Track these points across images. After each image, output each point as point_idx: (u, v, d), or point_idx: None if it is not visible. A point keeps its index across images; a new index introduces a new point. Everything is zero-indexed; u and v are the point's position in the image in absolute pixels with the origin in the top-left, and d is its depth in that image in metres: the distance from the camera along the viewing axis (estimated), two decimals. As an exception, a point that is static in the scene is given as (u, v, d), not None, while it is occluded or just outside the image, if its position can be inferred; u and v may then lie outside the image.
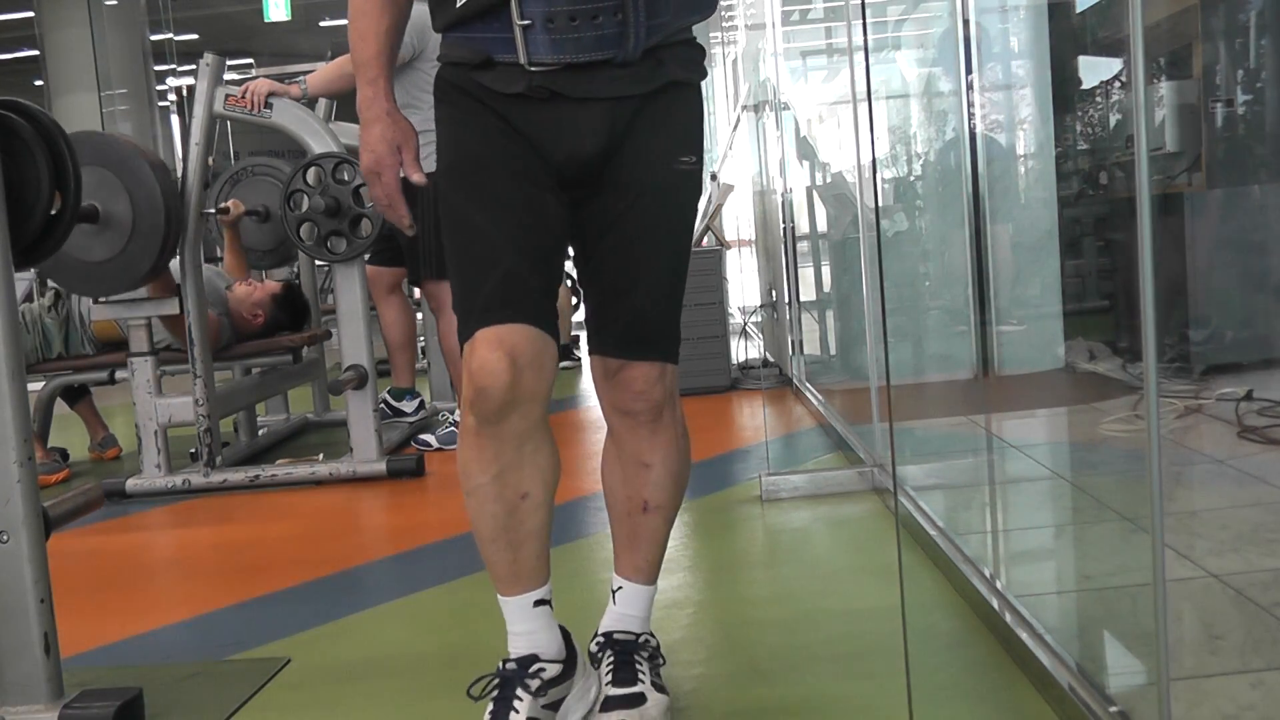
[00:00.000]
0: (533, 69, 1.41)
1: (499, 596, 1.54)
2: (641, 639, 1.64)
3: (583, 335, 6.43)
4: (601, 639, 1.64)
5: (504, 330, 1.42)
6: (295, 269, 4.89)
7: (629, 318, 1.48)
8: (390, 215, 1.58)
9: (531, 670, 1.50)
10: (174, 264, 3.48)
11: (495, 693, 1.51)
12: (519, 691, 1.49)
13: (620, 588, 1.65)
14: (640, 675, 1.59)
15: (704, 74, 1.55)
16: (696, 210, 1.62)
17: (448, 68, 1.52)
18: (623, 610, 1.65)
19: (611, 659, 1.61)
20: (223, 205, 4.22)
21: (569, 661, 1.56)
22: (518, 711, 1.48)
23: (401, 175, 1.58)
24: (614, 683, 1.58)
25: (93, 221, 3.24)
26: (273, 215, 4.52)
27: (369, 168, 1.54)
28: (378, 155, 1.53)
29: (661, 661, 1.67)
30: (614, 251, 1.51)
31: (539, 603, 1.52)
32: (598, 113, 1.45)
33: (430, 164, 4.28)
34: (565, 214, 1.50)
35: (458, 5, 1.43)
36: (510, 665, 1.51)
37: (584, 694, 1.60)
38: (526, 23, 1.39)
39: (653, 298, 1.53)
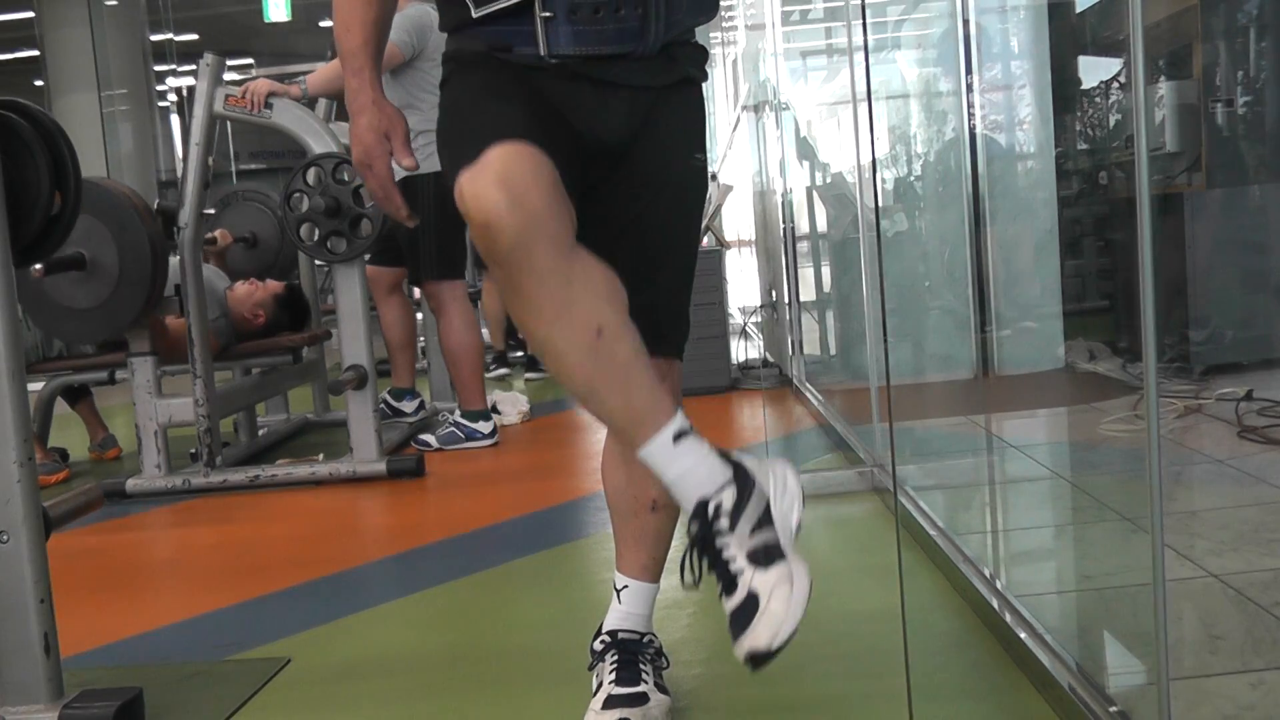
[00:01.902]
0: (553, 61, 1.41)
1: (639, 455, 1.33)
2: (646, 639, 1.65)
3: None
4: (606, 638, 1.64)
5: (491, 154, 1.25)
6: (295, 270, 4.89)
7: (642, 313, 1.47)
8: (386, 206, 1.57)
9: (710, 516, 1.31)
10: (173, 261, 3.48)
11: (705, 559, 1.32)
12: (720, 542, 1.30)
13: (625, 586, 1.66)
14: (644, 675, 1.59)
15: (707, 75, 1.57)
16: (704, 208, 1.64)
17: (459, 54, 1.48)
18: (628, 609, 1.65)
19: (615, 658, 1.61)
20: (210, 235, 4.22)
21: (740, 477, 1.33)
22: (734, 559, 1.29)
23: (398, 179, 1.57)
24: (617, 681, 1.58)
25: (80, 269, 3.26)
26: (260, 241, 4.55)
27: (359, 159, 1.53)
28: (366, 145, 1.52)
29: (665, 664, 1.68)
30: (631, 247, 1.50)
31: (679, 435, 1.31)
32: (618, 100, 1.46)
33: (430, 163, 4.25)
34: (581, 174, 1.44)
35: (474, 14, 1.41)
36: (692, 526, 1.32)
37: (782, 489, 1.36)
38: (548, 14, 1.38)
39: (666, 293, 1.55)
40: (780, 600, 1.25)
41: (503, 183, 1.22)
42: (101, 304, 3.31)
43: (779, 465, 1.38)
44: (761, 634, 1.24)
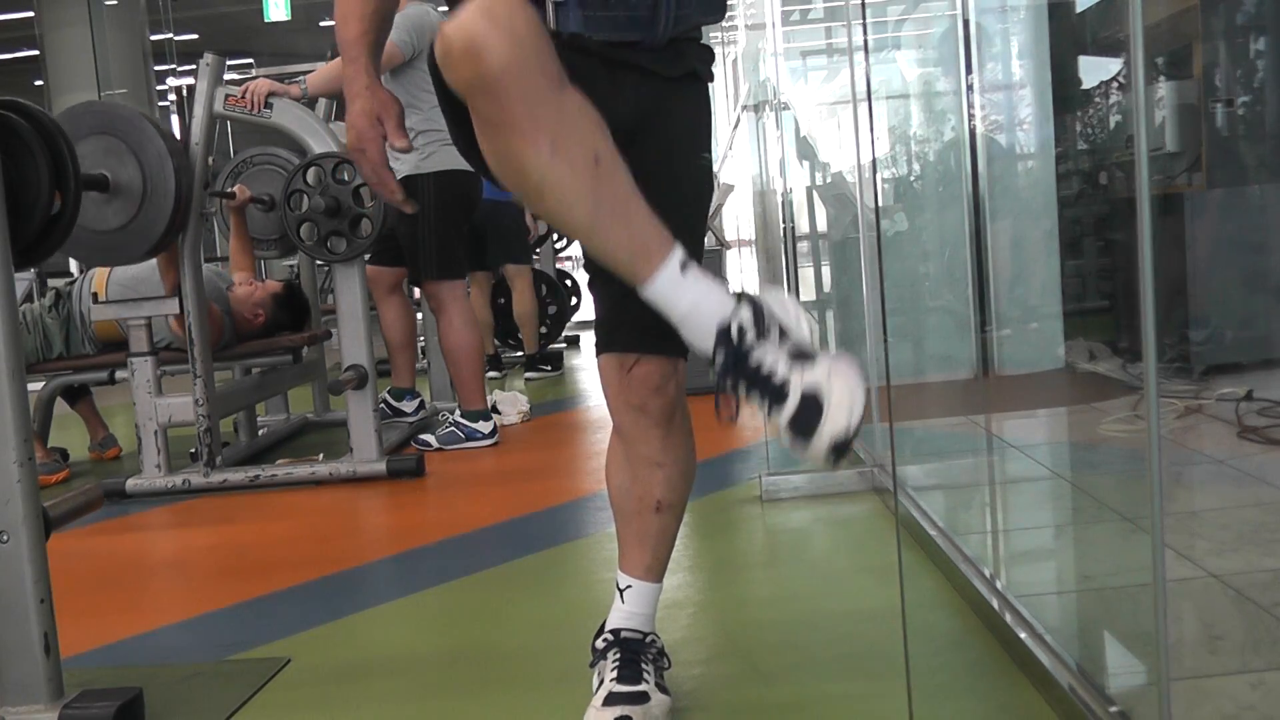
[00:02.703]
0: (565, 35, 1.41)
1: (645, 292, 1.28)
2: (648, 639, 1.65)
3: (577, 343, 6.36)
4: (609, 636, 1.64)
5: (467, 6, 1.20)
6: (295, 269, 4.89)
7: (650, 311, 1.46)
8: (379, 190, 1.56)
9: (735, 335, 1.27)
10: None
11: (740, 382, 1.28)
12: (754, 358, 1.26)
13: (629, 586, 1.66)
14: (645, 675, 1.60)
15: (713, 75, 1.58)
16: (709, 207, 1.64)
17: None
18: (631, 609, 1.65)
19: (617, 656, 1.61)
20: (229, 190, 4.22)
21: (747, 298, 1.30)
22: (774, 368, 1.25)
23: (398, 180, 1.57)
24: (618, 680, 1.58)
25: (103, 190, 3.23)
26: (277, 204, 4.51)
27: (353, 144, 1.53)
28: (360, 130, 1.51)
29: (666, 664, 1.68)
30: None
31: (684, 265, 1.28)
32: (628, 81, 1.46)
33: (430, 163, 4.23)
34: None
35: None
36: (719, 353, 1.28)
37: (781, 305, 1.32)
38: (560, 0, 1.38)
39: None
40: (841, 383, 1.23)
41: (487, 12, 1.18)
42: (130, 222, 3.27)
43: (767, 289, 1.35)
44: (839, 419, 1.22)
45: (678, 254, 1.28)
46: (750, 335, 1.26)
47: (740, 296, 1.30)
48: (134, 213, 3.26)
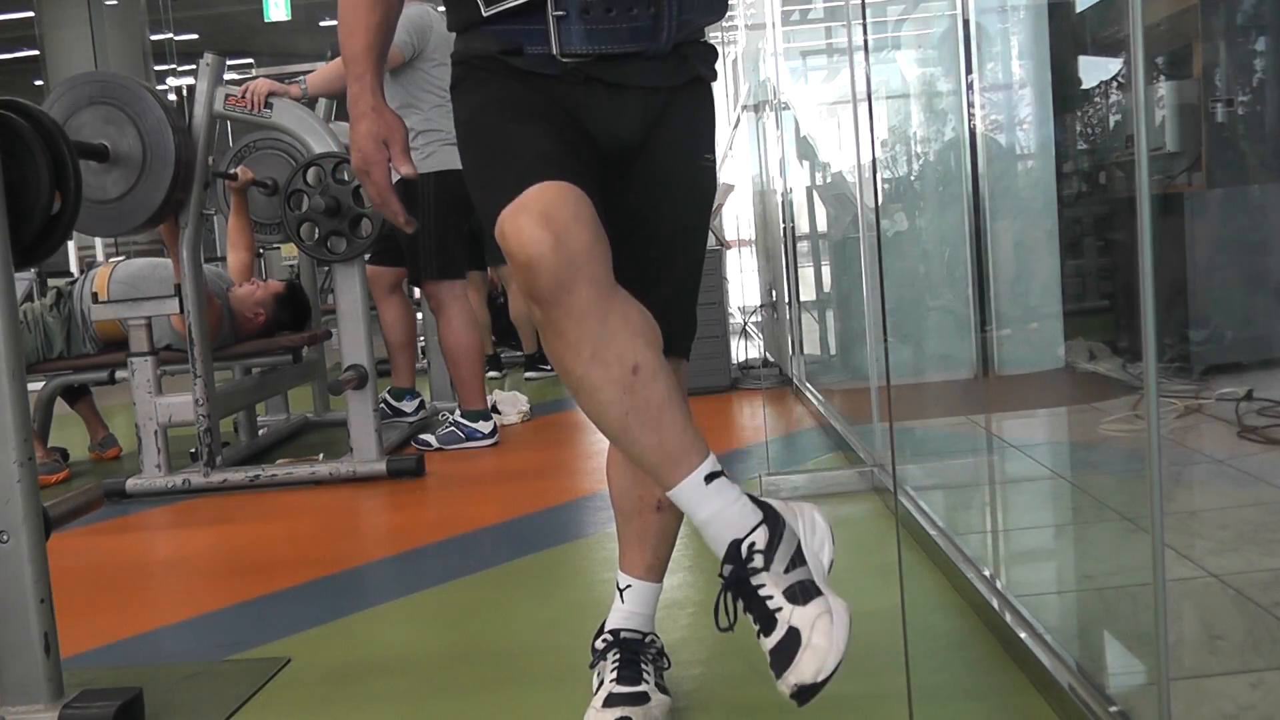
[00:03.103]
0: (565, 59, 1.41)
1: (669, 495, 1.34)
2: (648, 639, 1.65)
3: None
4: (609, 637, 1.64)
5: (531, 193, 1.28)
6: (295, 269, 4.89)
7: (654, 312, 1.46)
8: (384, 212, 1.57)
9: (744, 556, 1.31)
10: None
11: (740, 600, 1.32)
12: (756, 581, 1.30)
13: (629, 586, 1.66)
14: (645, 675, 1.60)
15: (717, 75, 1.58)
16: (712, 207, 1.64)
17: (469, 56, 1.48)
18: (631, 609, 1.65)
19: (617, 656, 1.61)
20: (231, 171, 4.22)
21: (770, 518, 1.34)
22: (772, 597, 1.29)
23: (397, 178, 1.57)
24: (618, 680, 1.58)
25: (102, 159, 3.23)
26: (280, 187, 4.51)
27: (358, 166, 1.54)
28: (365, 153, 1.52)
29: (666, 664, 1.68)
30: (640, 246, 1.50)
31: (710, 477, 1.32)
32: (631, 101, 1.46)
33: (430, 163, 4.23)
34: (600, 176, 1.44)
35: (485, 13, 1.41)
36: (725, 568, 1.32)
37: (811, 529, 1.38)
38: (561, 13, 1.38)
39: (674, 292, 1.55)
40: (822, 634, 1.27)
41: (545, 222, 1.25)
42: (129, 191, 3.27)
43: (806, 506, 1.40)
44: (806, 668, 1.26)
45: (705, 465, 1.32)
46: (758, 560, 1.30)
47: (765, 514, 1.33)
48: (133, 182, 3.27)
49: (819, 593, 1.30)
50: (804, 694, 1.27)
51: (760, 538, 1.31)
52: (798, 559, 1.33)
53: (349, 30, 1.53)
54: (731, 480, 1.34)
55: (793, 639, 1.27)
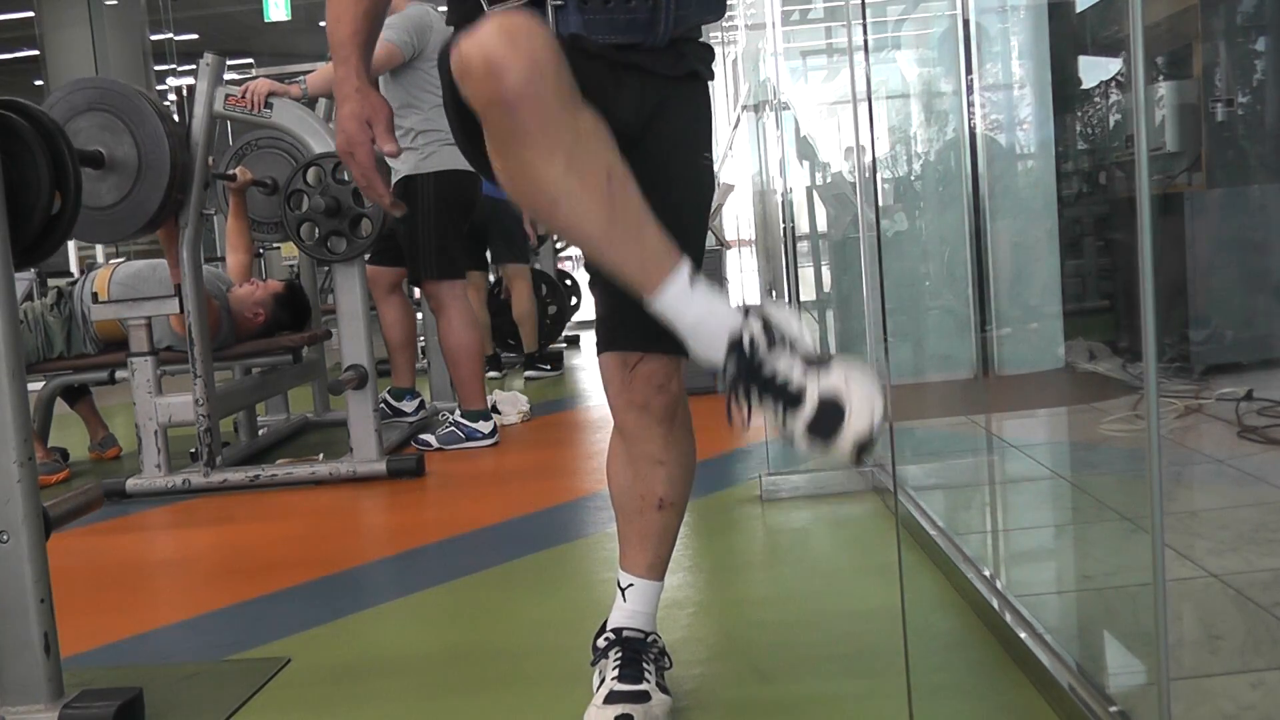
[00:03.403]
0: (567, 35, 1.41)
1: (655, 304, 1.30)
2: (649, 638, 1.65)
3: (575, 345, 6.34)
4: (611, 635, 1.64)
5: (488, 15, 1.23)
6: (295, 269, 4.88)
7: (649, 311, 1.46)
8: (369, 194, 1.57)
9: (749, 345, 1.29)
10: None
11: (752, 391, 1.29)
12: (768, 367, 1.28)
13: (631, 584, 1.66)
14: (646, 674, 1.60)
15: (714, 74, 1.58)
16: (710, 207, 1.64)
17: None
18: (633, 607, 1.65)
19: (619, 655, 1.61)
20: (230, 172, 4.22)
21: (752, 308, 1.32)
22: (789, 375, 1.27)
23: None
24: (619, 678, 1.58)
25: (98, 166, 3.23)
26: (279, 187, 4.51)
27: (342, 147, 1.54)
28: (349, 133, 1.52)
29: (667, 664, 1.68)
30: None
31: (693, 278, 1.30)
32: (630, 82, 1.46)
33: (430, 163, 4.23)
34: None
35: (487, 9, 1.40)
36: (730, 363, 1.29)
37: (784, 315, 1.35)
38: (559, 3, 1.39)
39: None
40: (859, 385, 1.26)
41: (505, 32, 1.20)
42: (125, 198, 3.28)
43: (768, 302, 1.38)
44: (861, 420, 1.24)
45: (685, 267, 1.30)
46: (763, 345, 1.29)
47: (747, 309, 1.32)
48: (129, 189, 3.27)
49: (829, 360, 1.29)
50: (863, 449, 1.25)
51: (756, 326, 1.30)
52: (792, 342, 1.32)
53: (336, 17, 1.54)
54: (708, 287, 1.32)
55: (831, 404, 1.26)
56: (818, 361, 1.29)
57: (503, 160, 1.26)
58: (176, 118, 3.42)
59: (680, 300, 1.30)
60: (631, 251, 1.29)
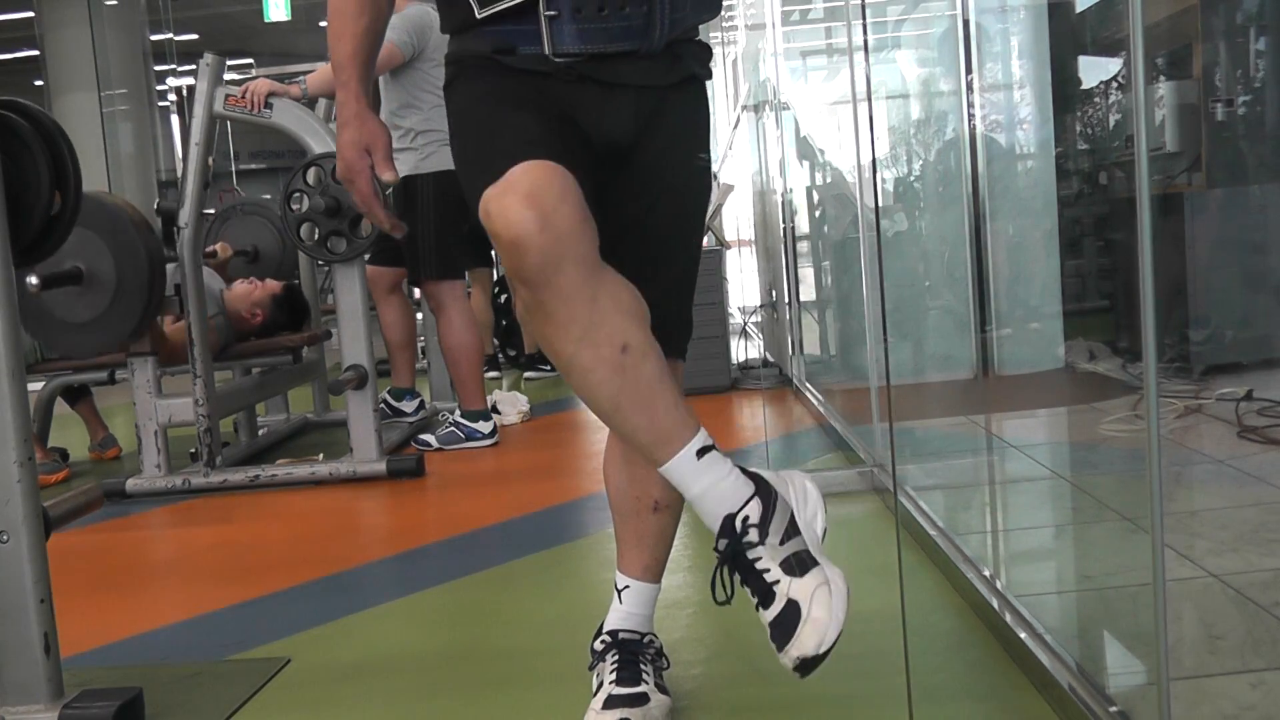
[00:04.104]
0: (558, 59, 1.41)
1: (661, 471, 1.34)
2: (646, 639, 1.65)
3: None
4: (607, 638, 1.64)
5: (516, 173, 1.26)
6: (295, 269, 4.88)
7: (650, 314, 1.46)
8: (370, 219, 1.58)
9: (739, 530, 1.31)
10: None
11: (736, 574, 1.33)
12: (752, 555, 1.31)
13: (627, 586, 1.66)
14: (644, 676, 1.59)
15: (711, 73, 1.57)
16: (707, 207, 1.64)
17: (463, 56, 1.48)
18: (629, 609, 1.65)
19: (616, 657, 1.61)
20: (210, 249, 4.22)
21: (762, 491, 1.35)
22: (768, 570, 1.30)
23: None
24: (618, 682, 1.58)
25: (76, 283, 3.26)
26: (261, 255, 4.55)
27: (342, 174, 1.56)
28: (348, 161, 1.54)
29: (665, 664, 1.68)
30: (634, 246, 1.50)
31: (702, 452, 1.32)
32: (624, 99, 1.46)
33: (429, 164, 4.23)
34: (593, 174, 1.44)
35: (479, 15, 1.41)
36: (720, 542, 1.32)
37: (804, 498, 1.38)
38: (553, 13, 1.38)
39: (671, 292, 1.55)
40: (821, 605, 1.27)
41: (530, 201, 1.24)
42: (100, 316, 3.32)
43: (796, 475, 1.40)
44: (808, 640, 1.26)
45: (697, 440, 1.33)
46: (753, 534, 1.31)
47: (758, 487, 1.34)
48: (105, 307, 3.32)
49: (815, 563, 1.31)
50: (806, 666, 1.27)
51: (754, 511, 1.32)
52: (792, 530, 1.34)
53: (336, 36, 1.54)
54: (723, 454, 1.34)
55: (792, 612, 1.28)
56: (801, 562, 1.31)
57: (526, 315, 1.31)
58: (176, 118, 3.42)
59: (686, 474, 1.33)
60: (641, 422, 1.33)
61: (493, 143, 1.35)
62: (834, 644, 1.26)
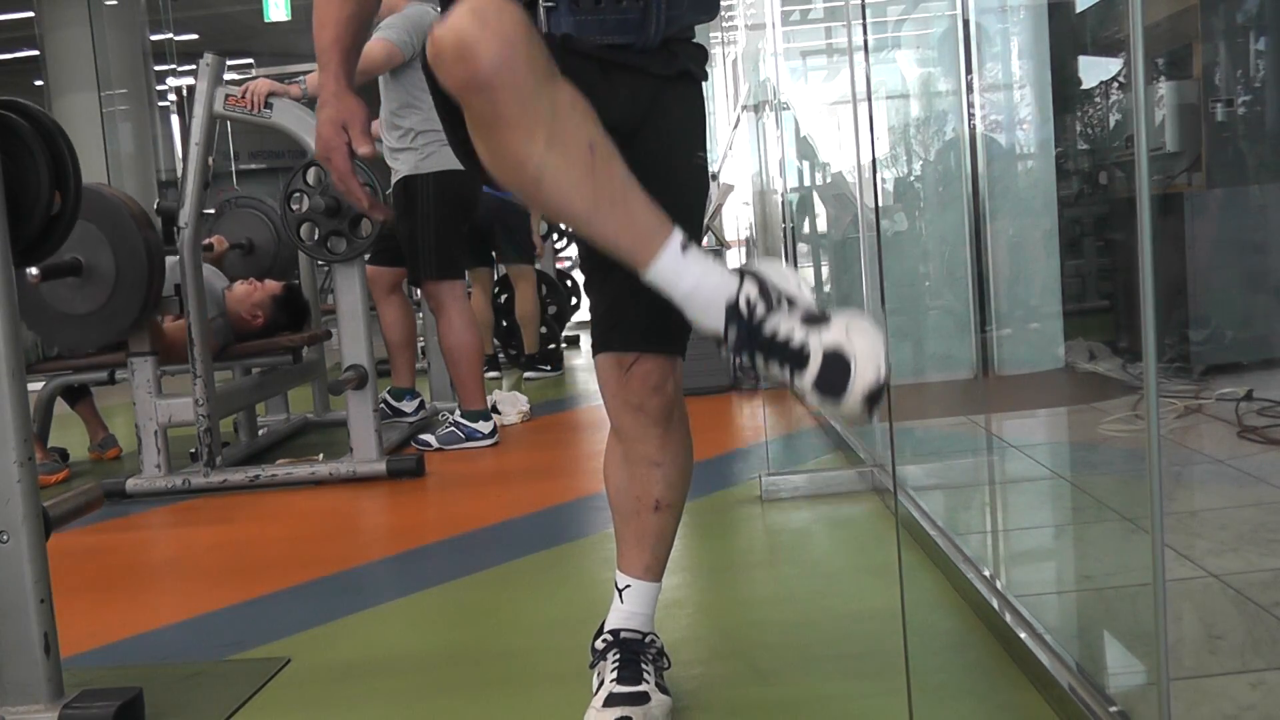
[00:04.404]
0: (559, 35, 1.41)
1: (647, 275, 1.29)
2: (647, 639, 1.65)
3: (578, 345, 6.36)
4: (608, 637, 1.64)
5: (456, 7, 1.21)
6: (295, 269, 4.88)
7: (649, 310, 1.44)
8: (348, 197, 1.59)
9: (746, 310, 1.28)
10: (170, 261, 3.48)
11: (755, 354, 1.29)
12: (769, 328, 1.28)
13: (628, 586, 1.66)
14: (645, 675, 1.60)
15: (707, 75, 1.58)
16: (704, 206, 1.64)
17: None
18: (630, 609, 1.65)
19: (617, 656, 1.61)
20: (206, 242, 4.22)
21: (748, 271, 1.32)
22: (790, 334, 1.27)
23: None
24: (618, 680, 1.58)
25: (76, 275, 3.26)
26: (257, 248, 4.55)
27: (320, 152, 1.57)
28: (325, 139, 1.55)
29: (666, 664, 1.68)
30: None
31: (686, 245, 1.29)
32: (621, 81, 1.46)
33: (430, 163, 4.23)
34: None
35: None
36: (730, 329, 1.29)
37: (779, 272, 1.34)
38: (551, 4, 1.39)
39: None
40: (861, 336, 1.26)
41: (475, 13, 1.20)
42: (99, 309, 3.32)
43: (763, 260, 1.39)
44: (867, 371, 1.24)
45: (678, 235, 1.29)
46: (760, 307, 1.28)
47: (743, 272, 1.32)
48: (105, 299, 3.31)
49: (828, 315, 1.29)
50: (874, 399, 1.25)
51: (752, 288, 1.30)
52: (791, 299, 1.32)
53: (320, 23, 1.56)
54: (701, 252, 1.32)
55: (836, 357, 1.25)
56: (818, 318, 1.29)
57: (484, 143, 1.26)
58: (176, 118, 3.42)
59: (673, 270, 1.29)
60: (621, 224, 1.28)
61: None
62: (889, 369, 1.25)
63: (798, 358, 1.27)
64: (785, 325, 1.28)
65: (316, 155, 1.58)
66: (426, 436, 4.02)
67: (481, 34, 1.18)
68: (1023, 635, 1.69)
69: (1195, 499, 2.55)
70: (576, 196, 1.26)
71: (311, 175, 3.57)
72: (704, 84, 1.61)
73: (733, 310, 1.29)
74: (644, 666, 1.61)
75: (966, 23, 4.04)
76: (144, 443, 3.52)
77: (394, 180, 3.83)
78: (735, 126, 6.12)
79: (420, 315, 5.00)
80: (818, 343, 1.26)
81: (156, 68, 11.34)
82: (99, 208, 3.26)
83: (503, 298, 6.27)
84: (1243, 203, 3.88)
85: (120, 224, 3.28)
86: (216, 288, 3.94)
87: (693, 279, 1.29)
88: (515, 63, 1.19)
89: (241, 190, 4.62)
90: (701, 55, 1.56)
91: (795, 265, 4.77)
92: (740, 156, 6.11)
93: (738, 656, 1.88)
